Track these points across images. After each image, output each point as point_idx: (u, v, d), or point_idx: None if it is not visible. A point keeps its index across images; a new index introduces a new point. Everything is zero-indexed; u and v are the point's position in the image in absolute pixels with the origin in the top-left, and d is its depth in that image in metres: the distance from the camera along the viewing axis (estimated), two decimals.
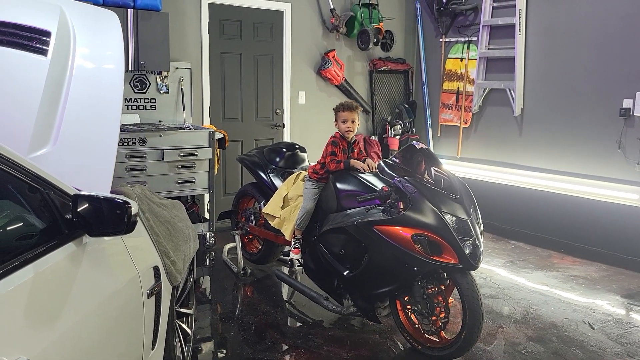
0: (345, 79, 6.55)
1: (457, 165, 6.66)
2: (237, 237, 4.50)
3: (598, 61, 5.29)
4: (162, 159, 4.79)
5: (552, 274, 4.73)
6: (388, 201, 3.16)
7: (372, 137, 6.81)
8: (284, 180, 4.13)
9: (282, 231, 3.96)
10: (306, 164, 4.32)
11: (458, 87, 6.61)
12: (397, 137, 6.86)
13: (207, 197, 5.43)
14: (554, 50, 5.66)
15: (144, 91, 5.28)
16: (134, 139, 4.66)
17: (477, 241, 3.04)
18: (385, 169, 3.24)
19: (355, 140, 3.85)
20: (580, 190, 5.49)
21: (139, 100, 5.25)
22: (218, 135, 5.17)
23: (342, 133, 3.74)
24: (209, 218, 5.27)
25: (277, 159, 4.30)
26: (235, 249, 4.65)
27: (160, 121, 5.35)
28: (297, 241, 3.86)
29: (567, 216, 5.55)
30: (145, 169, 4.73)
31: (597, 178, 5.37)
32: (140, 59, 4.87)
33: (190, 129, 5.24)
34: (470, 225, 3.04)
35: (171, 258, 2.43)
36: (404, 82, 7.20)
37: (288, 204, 4.00)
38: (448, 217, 3.00)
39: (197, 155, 4.95)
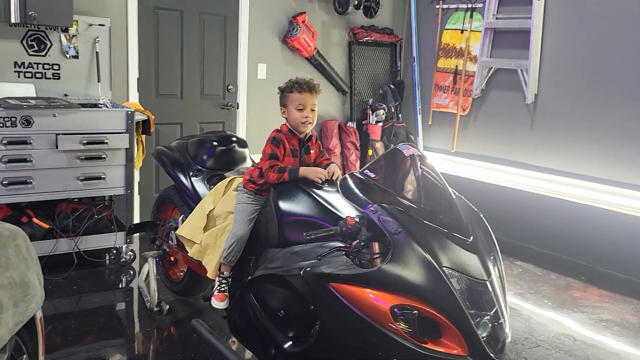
0: (318, 51, 5.26)
1: (451, 161, 5.45)
2: (151, 261, 3.23)
3: (638, 39, 4.09)
4: (57, 147, 3.49)
5: (576, 317, 3.57)
6: (354, 243, 1.93)
7: (349, 124, 5.56)
8: (211, 187, 2.87)
9: (203, 264, 2.72)
10: (247, 164, 3.06)
11: (456, 66, 5.36)
12: (380, 124, 5.62)
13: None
14: (580, 23, 4.43)
15: (43, 54, 3.94)
16: (12, 119, 3.35)
17: (500, 317, 1.83)
18: (353, 188, 1.98)
19: (311, 137, 2.60)
20: (606, 201, 4.32)
21: (35, 65, 3.92)
22: (140, 117, 3.88)
23: (295, 126, 2.50)
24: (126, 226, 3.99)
25: (204, 156, 3.02)
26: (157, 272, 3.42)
27: (66, 95, 4.03)
28: (223, 282, 2.62)
29: (589, 232, 4.38)
30: (30, 161, 3.44)
31: (628, 186, 4.21)
32: (28, 7, 3.53)
33: (106, 107, 3.95)
34: (491, 290, 1.83)
35: None
36: (391, 58, 5.93)
37: (214, 223, 2.75)
38: (455, 279, 1.77)
39: (107, 143, 3.65)
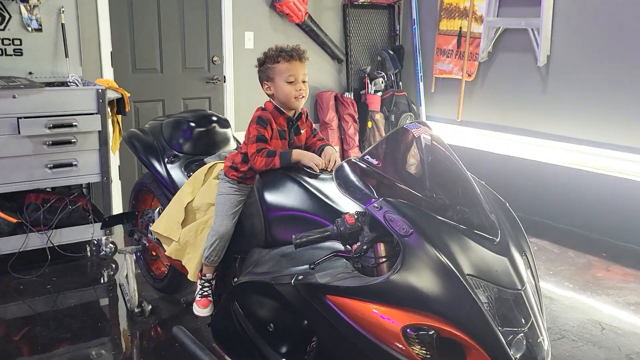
0: (310, 16, 4.83)
1: (457, 131, 5.07)
2: (129, 258, 2.89)
3: None
4: (19, 132, 3.12)
5: (602, 300, 3.25)
6: (356, 246, 1.58)
7: (346, 95, 5.16)
8: (189, 176, 2.50)
9: (183, 264, 2.37)
10: (230, 148, 2.67)
11: (460, 28, 4.94)
12: (379, 94, 5.22)
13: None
14: None
15: (1, 27, 3.52)
16: None
17: (538, 333, 1.49)
18: (351, 178, 1.62)
19: (301, 114, 2.23)
20: (625, 170, 3.97)
21: None
22: (113, 95, 3.49)
23: (286, 101, 2.12)
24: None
25: (181, 140, 2.63)
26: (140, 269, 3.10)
27: (30, 73, 3.63)
28: (205, 285, 2.28)
29: (609, 204, 4.04)
30: None
31: None
32: None
33: (76, 85, 3.56)
34: (526, 301, 1.49)
35: None
36: (389, 21, 5.49)
37: (194, 217, 2.39)
38: (481, 289, 1.43)
39: (76, 125, 3.27)
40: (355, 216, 1.57)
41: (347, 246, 1.61)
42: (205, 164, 2.47)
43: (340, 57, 5.17)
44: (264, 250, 1.94)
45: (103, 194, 3.50)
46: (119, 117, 3.66)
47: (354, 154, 5.13)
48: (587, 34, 4.10)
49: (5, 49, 3.55)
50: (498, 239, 1.53)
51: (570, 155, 4.29)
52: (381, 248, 1.58)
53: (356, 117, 5.17)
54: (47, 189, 3.53)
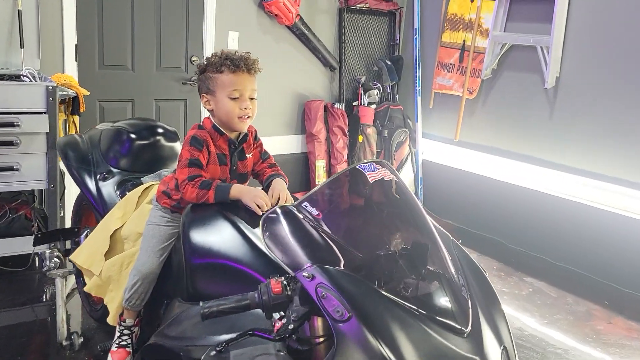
0: (302, 18, 4.45)
1: (454, 152, 4.69)
2: (59, 282, 2.51)
3: None
4: None
5: (601, 358, 2.86)
6: (281, 323, 1.19)
7: (337, 105, 4.78)
8: (122, 197, 2.12)
9: (104, 302, 2.00)
10: (175, 166, 2.29)
11: (464, 41, 4.56)
12: (373, 106, 4.84)
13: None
14: None
15: None
16: None
17: None
18: (283, 232, 1.23)
19: (247, 135, 1.85)
20: (635, 209, 3.58)
21: None
22: (65, 93, 3.12)
23: (227, 121, 1.75)
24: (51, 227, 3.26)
25: (117, 154, 2.26)
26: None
27: None
28: (125, 333, 1.90)
29: (615, 245, 3.65)
30: None
31: None
32: None
33: (29, 79, 3.19)
34: None
35: None
36: (388, 29, 5.12)
37: (121, 248, 2.01)
38: None
39: (19, 125, 2.90)
40: (284, 282, 1.19)
41: (273, 319, 1.23)
42: (142, 184, 2.09)
43: (333, 64, 4.79)
44: (184, 304, 1.57)
45: (49, 203, 3.13)
46: (76, 118, 3.30)
47: (342, 169, 4.75)
48: (601, 56, 3.71)
49: None
50: (468, 328, 1.14)
51: (576, 188, 3.90)
52: (318, 324, 1.20)
53: (346, 130, 4.79)
54: None
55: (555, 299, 3.51)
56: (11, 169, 2.97)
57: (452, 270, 1.28)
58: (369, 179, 1.21)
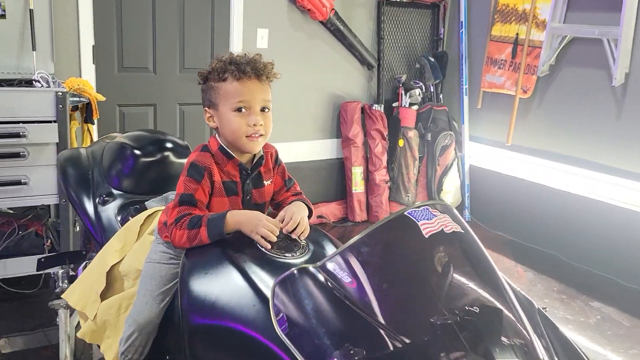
0: (336, 12, 4.09)
1: (505, 157, 4.26)
2: (62, 314, 2.23)
3: None
4: None
5: None
6: None
7: (375, 107, 4.40)
8: (123, 224, 1.81)
9: (101, 350, 1.69)
10: None
11: (517, 34, 4.11)
12: (415, 107, 4.45)
13: None
14: None
15: None
16: None
17: None
18: (299, 305, 0.88)
19: (263, 158, 1.50)
20: None
21: None
22: (79, 100, 2.86)
23: (234, 141, 1.42)
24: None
25: (119, 173, 1.94)
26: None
27: None
28: None
29: None
30: None
31: None
32: None
33: (41, 84, 2.94)
34: None
35: None
36: (432, 23, 4.70)
37: (120, 286, 1.70)
38: None
39: (26, 136, 2.65)
40: None
41: None
42: (146, 209, 1.77)
43: (371, 62, 4.41)
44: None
45: (61, 219, 2.87)
46: (91, 126, 3.04)
47: (381, 176, 4.38)
48: None
49: None
50: None
51: None
52: None
53: (385, 133, 4.41)
54: (3, 210, 2.94)
55: (629, 329, 3.05)
56: (19, 182, 2.72)
57: (538, 348, 0.91)
58: (423, 231, 0.85)
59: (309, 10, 3.97)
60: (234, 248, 1.27)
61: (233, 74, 1.37)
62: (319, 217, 4.26)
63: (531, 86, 4.04)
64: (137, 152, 1.91)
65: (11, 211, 3.04)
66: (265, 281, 1.17)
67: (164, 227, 1.49)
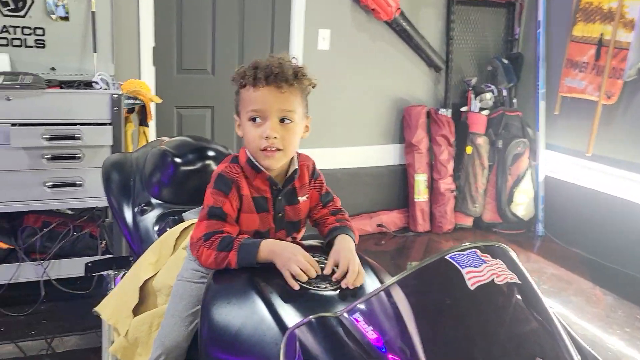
0: (402, 12, 3.90)
1: (585, 168, 3.91)
2: (106, 331, 2.16)
3: None
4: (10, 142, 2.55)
5: None
6: None
7: (442, 111, 4.17)
8: (160, 235, 1.72)
9: None
10: None
11: (602, 34, 3.76)
12: (485, 112, 4.18)
13: None
14: None
15: (22, 14, 2.98)
16: None
17: None
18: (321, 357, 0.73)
19: (296, 172, 1.35)
20: None
21: (11, 29, 2.97)
22: (133, 102, 2.84)
23: (253, 152, 1.30)
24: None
25: (159, 182, 1.85)
26: None
27: (53, 69, 3.07)
28: None
29: None
30: None
31: None
32: None
33: (100, 86, 2.94)
34: None
35: None
36: (506, 22, 4.40)
37: (153, 302, 1.61)
38: None
39: (80, 138, 2.65)
40: None
41: None
42: (184, 221, 1.67)
43: (439, 64, 4.18)
44: None
45: (114, 223, 2.85)
46: (147, 129, 3.02)
47: (446, 185, 4.14)
48: None
49: (25, 40, 3.01)
50: None
51: None
52: None
53: (452, 139, 4.16)
54: (61, 210, 2.98)
55: None
56: (73, 184, 2.73)
57: None
58: (468, 282, 0.68)
59: (373, 10, 3.80)
60: (263, 276, 1.14)
61: (249, 79, 1.25)
62: (379, 225, 4.08)
63: (616, 91, 3.67)
64: (177, 160, 1.82)
65: (70, 212, 3.07)
66: (293, 317, 1.03)
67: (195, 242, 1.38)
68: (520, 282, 0.73)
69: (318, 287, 1.12)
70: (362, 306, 0.76)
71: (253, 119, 1.25)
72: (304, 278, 1.11)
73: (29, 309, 2.79)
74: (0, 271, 2.72)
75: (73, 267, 2.86)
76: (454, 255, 0.72)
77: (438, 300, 0.73)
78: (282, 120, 1.25)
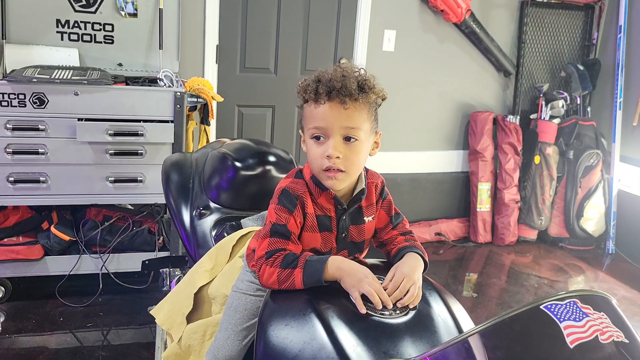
0: (472, 14, 3.74)
1: None
2: (160, 331, 2.16)
3: None
4: (76, 136, 2.59)
5: None
6: None
7: (509, 118, 3.98)
8: (217, 241, 1.68)
9: None
10: None
11: None
12: (556, 120, 3.96)
13: None
14: None
15: (92, 9, 3.03)
16: (20, 96, 2.50)
17: None
18: None
19: (363, 191, 1.26)
20: None
21: (81, 24, 3.03)
22: (196, 100, 2.83)
23: (316, 172, 1.20)
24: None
25: (217, 186, 1.81)
26: None
27: (120, 65, 3.11)
28: None
29: None
30: (44, 153, 2.59)
31: None
32: None
33: (165, 83, 2.97)
34: None
35: None
36: (583, 26, 4.16)
37: (208, 310, 1.57)
38: None
39: (143, 135, 2.66)
40: None
41: None
42: (242, 228, 1.62)
43: (509, 69, 3.99)
44: None
45: (171, 223, 2.87)
46: (208, 127, 3.01)
47: (511, 195, 3.95)
48: None
49: (95, 35, 3.06)
50: None
51: None
52: None
53: (519, 148, 3.97)
54: (122, 205, 3.03)
55: None
56: (135, 180, 2.75)
57: None
58: (567, 338, 0.58)
59: (442, 11, 3.66)
60: (323, 297, 1.07)
61: (311, 95, 1.16)
62: (437, 234, 3.94)
63: None
64: (237, 164, 1.77)
65: (130, 207, 3.12)
66: (355, 347, 0.96)
67: (253, 254, 1.33)
68: (628, 341, 0.62)
69: (382, 313, 1.03)
70: (436, 353, 0.67)
71: (316, 137, 1.17)
72: (377, 302, 1.03)
73: (87, 301, 2.84)
74: (62, 262, 2.79)
75: (131, 262, 2.90)
76: (550, 304, 0.62)
77: (531, 355, 0.64)
78: (346, 139, 1.16)
